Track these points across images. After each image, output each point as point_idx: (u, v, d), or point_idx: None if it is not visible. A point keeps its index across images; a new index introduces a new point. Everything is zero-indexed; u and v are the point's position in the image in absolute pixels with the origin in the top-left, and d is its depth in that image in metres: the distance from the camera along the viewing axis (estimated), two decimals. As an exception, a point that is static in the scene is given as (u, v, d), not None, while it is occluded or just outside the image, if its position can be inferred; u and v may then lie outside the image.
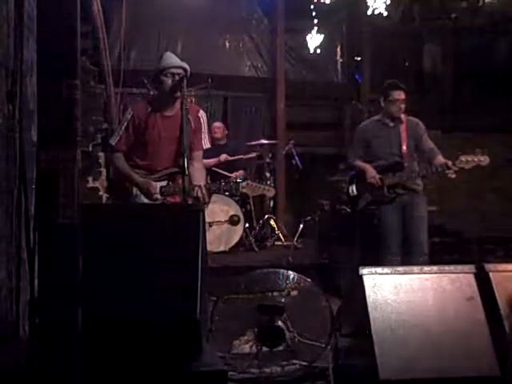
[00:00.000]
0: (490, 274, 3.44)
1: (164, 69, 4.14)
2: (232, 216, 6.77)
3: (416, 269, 3.52)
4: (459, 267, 3.50)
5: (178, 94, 4.07)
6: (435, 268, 3.50)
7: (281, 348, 3.82)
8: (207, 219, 6.24)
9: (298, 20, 8.70)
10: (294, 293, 4.00)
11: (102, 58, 6.71)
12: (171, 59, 4.21)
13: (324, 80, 9.16)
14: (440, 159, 5.07)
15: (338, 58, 9.29)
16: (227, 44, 8.79)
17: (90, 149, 6.71)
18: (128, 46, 7.76)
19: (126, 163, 4.23)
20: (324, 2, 7.95)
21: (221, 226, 6.74)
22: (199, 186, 4.03)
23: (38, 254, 2.31)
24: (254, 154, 7.53)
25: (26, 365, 2.25)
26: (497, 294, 3.36)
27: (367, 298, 3.34)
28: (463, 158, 4.90)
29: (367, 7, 7.83)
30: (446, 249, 6.37)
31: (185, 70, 4.14)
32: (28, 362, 2.26)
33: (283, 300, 3.90)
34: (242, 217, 6.82)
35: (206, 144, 4.36)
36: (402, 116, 5.28)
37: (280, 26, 8.58)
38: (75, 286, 2.20)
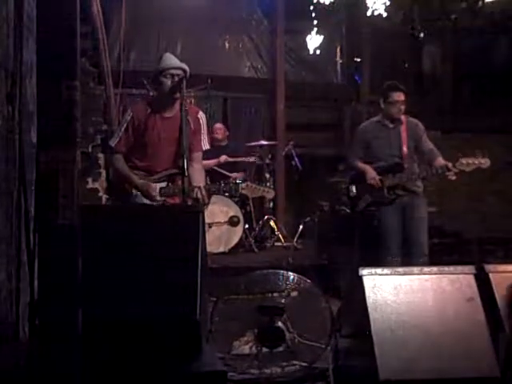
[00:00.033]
0: (490, 274, 3.44)
1: (163, 70, 4.14)
2: (232, 217, 6.77)
3: (416, 270, 3.53)
4: (459, 268, 3.50)
5: (178, 95, 4.07)
6: (435, 269, 3.50)
7: (281, 349, 3.82)
8: (207, 220, 6.25)
9: (298, 21, 8.70)
10: (294, 294, 4.00)
11: (102, 59, 6.70)
12: (170, 60, 4.21)
13: (324, 81, 9.16)
14: (440, 161, 5.06)
15: (338, 59, 9.30)
16: (227, 45, 8.79)
17: (90, 150, 6.71)
18: (128, 46, 7.76)
19: (126, 164, 4.23)
20: (324, 3, 7.95)
21: (220, 226, 6.74)
22: (199, 188, 4.03)
23: (38, 255, 2.31)
24: (253, 158, 7.53)
25: (26, 366, 2.24)
26: (497, 295, 3.36)
27: (367, 298, 3.34)
28: (464, 161, 4.89)
29: (367, 8, 7.83)
30: (445, 250, 6.37)
31: (184, 71, 4.14)
32: (28, 364, 2.26)
33: (283, 301, 3.90)
34: (241, 218, 6.82)
35: (206, 145, 4.36)
36: (402, 117, 5.28)
37: (280, 26, 8.58)
38: (75, 287, 2.20)
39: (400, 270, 3.55)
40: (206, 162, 5.98)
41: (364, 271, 3.43)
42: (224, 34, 8.75)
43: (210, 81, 7.43)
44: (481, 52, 9.12)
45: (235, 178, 6.99)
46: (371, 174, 5.22)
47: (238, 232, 6.81)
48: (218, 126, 7.77)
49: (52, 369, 2.14)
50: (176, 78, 4.10)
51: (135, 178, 4.18)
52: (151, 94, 5.53)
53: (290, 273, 3.97)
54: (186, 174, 3.78)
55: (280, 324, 3.80)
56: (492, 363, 3.16)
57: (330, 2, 7.94)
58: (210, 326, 3.70)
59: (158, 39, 8.32)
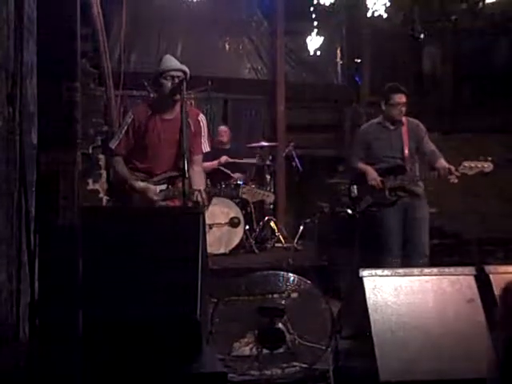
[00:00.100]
0: (490, 275, 3.44)
1: (164, 72, 4.14)
2: (232, 218, 6.78)
3: (416, 271, 3.53)
4: (459, 269, 3.50)
5: (178, 96, 4.07)
6: (435, 270, 3.51)
7: (281, 350, 3.82)
8: (207, 221, 6.23)
9: (298, 22, 8.70)
10: (294, 295, 4.00)
11: (102, 61, 6.70)
12: (171, 62, 4.22)
13: (324, 82, 9.17)
14: (442, 163, 5.05)
15: (338, 60, 9.30)
16: (227, 46, 8.80)
17: (90, 151, 6.71)
18: (128, 48, 7.75)
19: (126, 167, 4.23)
20: (324, 4, 7.95)
21: (221, 228, 6.74)
22: (199, 191, 4.03)
23: (39, 256, 2.31)
24: (254, 160, 7.53)
25: (26, 367, 2.24)
26: (497, 296, 3.35)
27: (367, 299, 3.34)
28: (466, 164, 4.89)
29: (367, 9, 7.83)
30: (445, 251, 6.37)
31: (184, 72, 4.15)
32: (28, 365, 2.26)
33: (283, 302, 3.90)
34: (242, 219, 6.82)
35: (206, 148, 4.36)
36: (403, 118, 5.27)
37: (280, 28, 8.59)
38: (75, 288, 2.20)
39: (400, 271, 3.55)
40: (206, 163, 5.99)
41: (364, 272, 3.43)
42: (224, 35, 8.76)
43: (210, 82, 7.43)
44: (481, 53, 9.12)
45: (236, 179, 7.00)
46: (372, 174, 5.22)
47: (238, 233, 6.81)
48: (224, 128, 7.77)
49: (52, 370, 2.14)
50: (176, 80, 4.10)
51: (134, 181, 4.18)
52: (152, 95, 5.54)
53: (291, 274, 3.97)
54: (187, 175, 3.78)
55: (280, 325, 3.80)
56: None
57: (331, 3, 7.94)
58: (210, 327, 3.70)
59: (159, 41, 8.33)
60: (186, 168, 3.78)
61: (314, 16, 8.39)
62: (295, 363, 3.84)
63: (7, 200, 2.39)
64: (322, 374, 3.73)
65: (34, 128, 2.49)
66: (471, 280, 3.45)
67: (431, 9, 8.77)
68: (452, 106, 9.16)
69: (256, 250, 6.98)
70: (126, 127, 4.21)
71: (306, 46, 8.62)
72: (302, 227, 7.16)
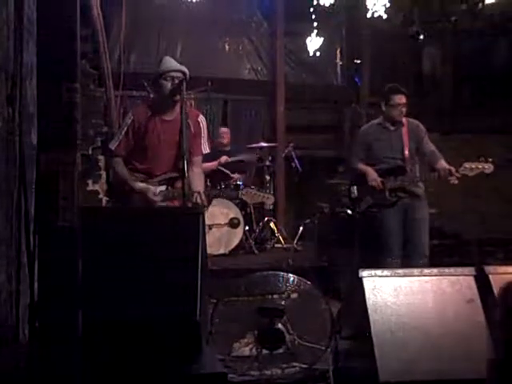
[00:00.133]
0: (490, 276, 3.44)
1: (163, 73, 4.15)
2: (232, 219, 6.78)
3: (416, 271, 3.53)
4: (459, 269, 3.50)
5: (178, 97, 4.08)
6: (435, 270, 3.51)
7: (281, 350, 3.83)
8: (207, 222, 6.24)
9: (298, 23, 8.71)
10: (294, 295, 4.01)
11: (102, 61, 6.71)
12: (170, 63, 4.22)
13: (324, 83, 9.17)
14: (443, 164, 5.04)
15: (338, 60, 9.30)
16: (227, 47, 8.81)
17: (90, 152, 6.71)
18: (128, 48, 7.76)
19: (125, 167, 4.23)
20: (324, 5, 7.96)
21: (221, 228, 6.74)
22: (198, 193, 4.03)
23: (38, 257, 2.31)
24: (254, 155, 7.53)
25: (26, 368, 2.25)
26: (497, 297, 3.35)
27: (367, 300, 3.34)
28: (467, 165, 4.88)
29: (367, 10, 7.83)
30: (445, 251, 6.37)
31: (184, 73, 4.15)
32: (28, 366, 2.26)
33: (283, 302, 3.90)
34: (241, 219, 6.82)
35: (206, 149, 4.36)
36: (403, 119, 5.27)
37: (280, 28, 8.59)
38: (75, 288, 2.20)
39: (400, 271, 3.55)
40: (206, 164, 5.99)
41: (364, 273, 3.43)
42: (224, 36, 8.76)
43: (210, 83, 7.43)
44: (480, 54, 9.12)
45: (236, 180, 7.00)
46: (372, 175, 5.22)
47: (238, 234, 6.81)
48: (224, 130, 7.76)
49: (52, 371, 2.14)
50: (176, 81, 4.10)
51: (134, 182, 4.18)
52: (151, 95, 5.54)
53: (290, 274, 3.97)
54: (186, 175, 3.78)
55: (280, 326, 3.80)
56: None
57: (330, 4, 7.95)
58: (210, 328, 3.70)
59: (158, 41, 8.33)
60: (185, 169, 3.78)
61: (313, 17, 8.39)
62: (295, 363, 3.84)
63: (7, 200, 2.39)
64: (322, 375, 3.73)
65: (34, 129, 2.49)
66: (471, 280, 3.45)
67: (431, 9, 8.78)
68: (452, 106, 9.16)
69: (256, 251, 6.98)
70: (125, 128, 4.21)
71: (306, 47, 8.63)
72: (301, 228, 7.16)
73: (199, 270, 2.50)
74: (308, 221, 7.12)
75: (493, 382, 2.24)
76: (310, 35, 8.52)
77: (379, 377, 3.07)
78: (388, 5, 7.71)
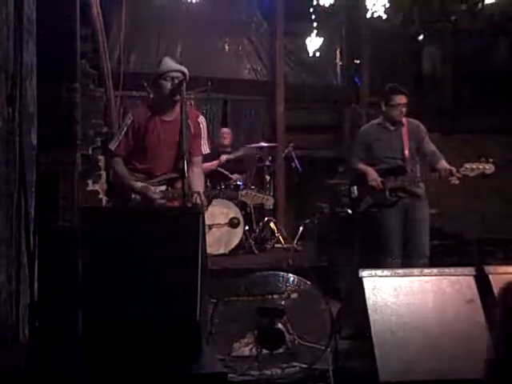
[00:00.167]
0: (490, 276, 3.44)
1: (163, 73, 4.15)
2: (232, 219, 6.78)
3: (416, 271, 3.53)
4: (459, 269, 3.50)
5: (178, 97, 4.08)
6: (435, 270, 3.50)
7: (281, 350, 3.82)
8: (207, 222, 6.24)
9: (298, 23, 8.71)
10: (294, 295, 4.01)
11: (102, 61, 6.70)
12: (170, 63, 4.23)
13: (323, 83, 9.17)
14: (443, 164, 5.04)
15: (338, 61, 9.30)
16: (227, 47, 8.81)
17: (90, 152, 6.71)
18: (128, 48, 7.76)
19: (125, 168, 4.23)
20: (323, 5, 7.96)
21: (221, 228, 6.74)
22: (198, 193, 4.03)
23: (38, 257, 2.31)
24: (254, 148, 7.52)
25: (26, 368, 2.25)
26: (497, 297, 3.35)
27: (367, 300, 3.34)
28: (468, 166, 4.88)
29: (366, 10, 7.84)
30: (445, 251, 6.37)
31: (183, 73, 4.15)
32: (28, 366, 2.26)
33: (283, 302, 3.90)
34: (241, 219, 6.82)
35: (206, 149, 4.36)
36: (403, 119, 5.27)
37: (279, 29, 8.59)
38: (75, 288, 2.20)
39: (400, 271, 3.55)
40: (206, 164, 5.99)
41: (364, 273, 3.43)
42: (224, 36, 8.77)
43: (210, 83, 7.43)
44: (480, 54, 9.13)
45: (235, 180, 7.00)
46: (373, 175, 5.21)
47: (238, 234, 6.81)
48: (226, 130, 7.75)
49: (52, 371, 2.14)
50: (176, 81, 4.11)
51: (134, 182, 4.18)
52: (151, 96, 5.54)
53: (290, 274, 3.97)
54: (186, 175, 3.78)
55: (280, 326, 3.80)
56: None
57: (330, 4, 7.95)
58: (210, 328, 3.70)
59: (158, 41, 8.34)
60: (185, 169, 3.78)
61: (313, 17, 8.39)
62: (295, 363, 3.84)
63: (7, 201, 2.39)
64: (322, 374, 3.73)
65: (34, 129, 2.49)
66: (471, 280, 3.45)
67: (431, 9, 8.78)
68: (452, 106, 9.17)
69: (256, 251, 6.98)
70: (125, 128, 4.21)
71: (306, 47, 8.63)
72: (301, 228, 7.16)
73: (199, 270, 2.50)
74: (308, 221, 7.12)
75: (490, 383, 2.24)
76: (309, 35, 8.53)
77: (379, 377, 3.07)
78: (388, 5, 7.72)
